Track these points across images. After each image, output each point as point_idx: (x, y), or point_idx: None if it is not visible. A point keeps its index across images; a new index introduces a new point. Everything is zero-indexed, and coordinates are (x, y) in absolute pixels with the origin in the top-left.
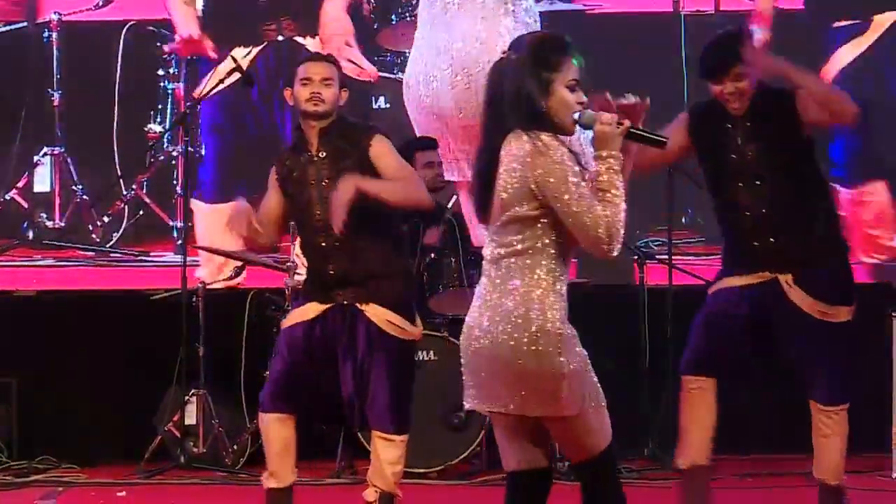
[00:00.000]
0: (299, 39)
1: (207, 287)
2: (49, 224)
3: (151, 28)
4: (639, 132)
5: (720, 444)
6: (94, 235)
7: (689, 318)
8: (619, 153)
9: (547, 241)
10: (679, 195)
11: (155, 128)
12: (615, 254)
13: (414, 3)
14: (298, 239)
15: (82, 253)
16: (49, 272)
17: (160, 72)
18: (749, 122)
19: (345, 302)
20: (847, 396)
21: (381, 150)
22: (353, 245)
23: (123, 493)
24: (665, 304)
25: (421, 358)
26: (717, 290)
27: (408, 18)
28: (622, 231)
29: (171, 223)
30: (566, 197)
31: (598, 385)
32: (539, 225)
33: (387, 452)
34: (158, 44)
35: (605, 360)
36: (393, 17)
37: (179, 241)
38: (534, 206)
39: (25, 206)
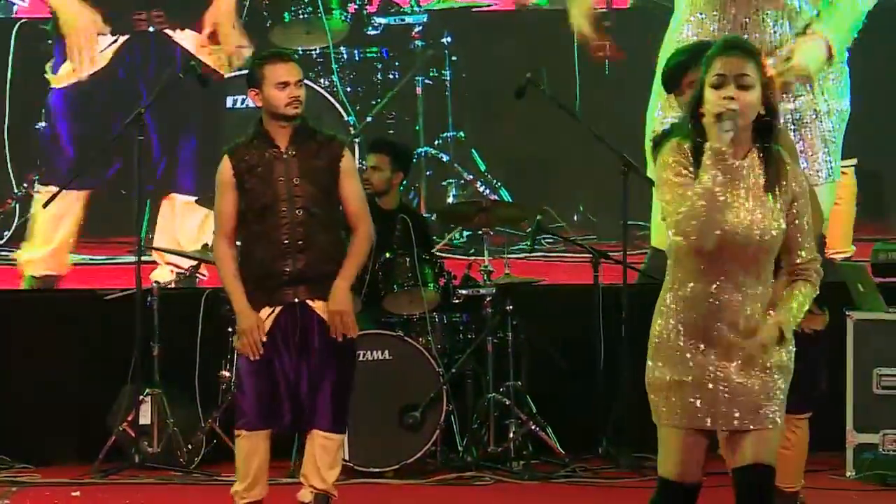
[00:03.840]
0: (169, 32)
1: (162, 286)
2: None
3: (43, 27)
4: None
5: None
6: None
7: (643, 317)
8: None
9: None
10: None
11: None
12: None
13: (306, 2)
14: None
15: None
16: None
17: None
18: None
19: (296, 300)
20: (811, 405)
21: (350, 168)
22: (314, 243)
23: (78, 493)
24: (619, 303)
25: (376, 357)
26: None
27: (301, 17)
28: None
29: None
30: None
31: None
32: None
33: (327, 452)
34: (50, 41)
35: (559, 359)
36: (286, 15)
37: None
38: None
39: None
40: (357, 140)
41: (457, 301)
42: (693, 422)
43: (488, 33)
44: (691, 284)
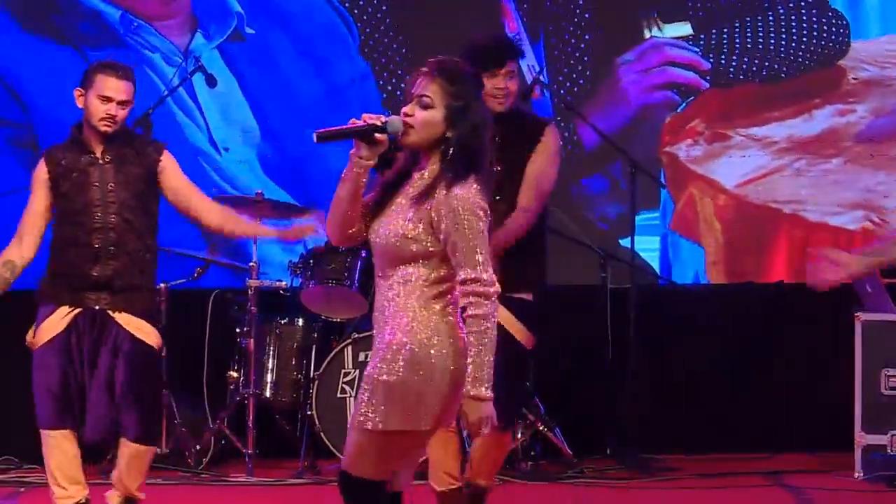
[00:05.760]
0: None
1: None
2: None
3: None
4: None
5: (683, 445)
6: None
7: (651, 318)
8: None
9: None
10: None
11: None
12: None
13: None
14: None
15: None
16: None
17: None
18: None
19: (97, 307)
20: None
21: (170, 166)
22: (125, 250)
23: None
24: (627, 303)
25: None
26: None
27: None
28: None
29: None
30: None
31: None
32: None
33: (138, 461)
34: None
35: (566, 359)
36: None
37: None
38: None
39: None
40: None
41: None
42: None
43: None
44: None
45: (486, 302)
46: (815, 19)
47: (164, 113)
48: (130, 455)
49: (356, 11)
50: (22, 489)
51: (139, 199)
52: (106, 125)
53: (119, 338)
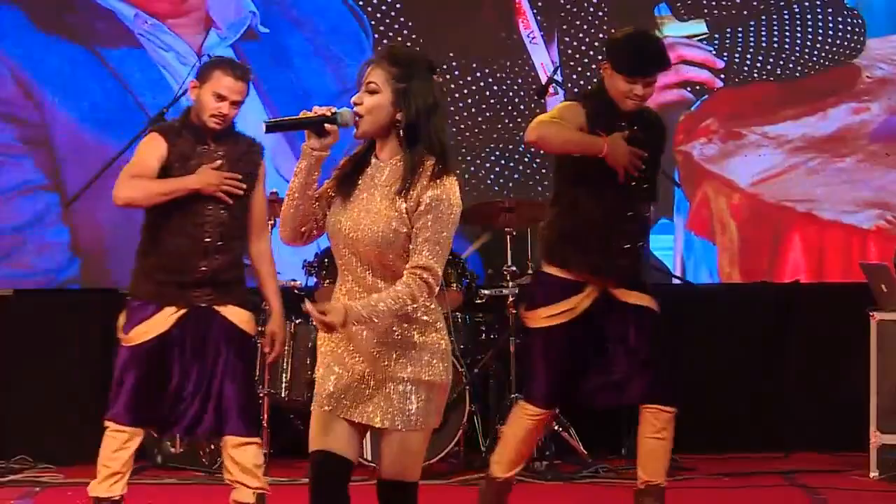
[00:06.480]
0: None
1: None
2: None
3: None
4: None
5: (698, 444)
6: None
7: (664, 317)
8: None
9: None
10: None
11: None
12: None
13: None
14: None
15: None
16: None
17: None
18: (637, 125)
19: (202, 304)
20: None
21: (263, 176)
22: (230, 246)
23: None
24: None
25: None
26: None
27: None
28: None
29: None
30: None
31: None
32: None
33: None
34: None
35: None
36: None
37: None
38: None
39: None
40: None
41: (480, 301)
42: None
43: None
44: None
45: (425, 292)
46: (830, 18)
47: (176, 112)
48: (233, 448)
49: (371, 9)
50: (37, 489)
51: (243, 197)
52: (216, 122)
53: (224, 331)
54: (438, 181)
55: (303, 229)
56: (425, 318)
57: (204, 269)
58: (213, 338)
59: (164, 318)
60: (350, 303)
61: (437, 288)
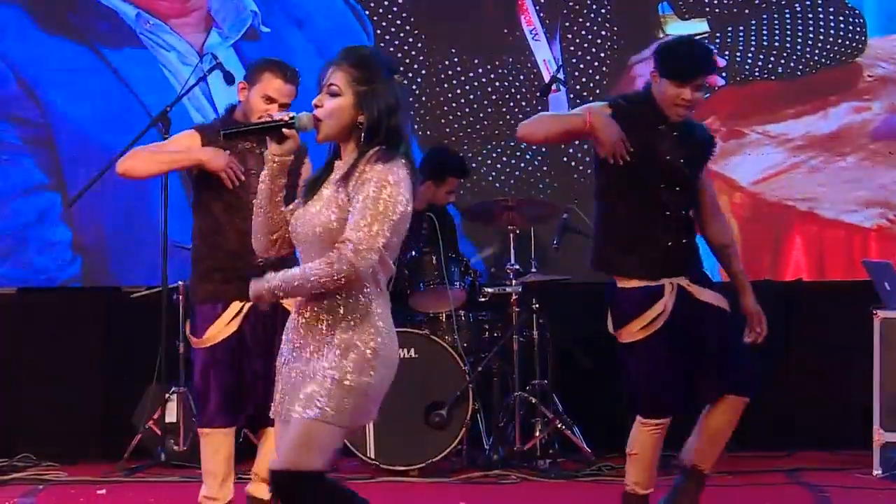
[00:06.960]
0: None
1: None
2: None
3: None
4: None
5: None
6: None
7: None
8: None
9: None
10: None
11: None
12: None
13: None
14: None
15: None
16: None
17: None
18: (678, 132)
19: None
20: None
21: (307, 174)
22: None
23: (104, 491)
24: None
25: (402, 356)
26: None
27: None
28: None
29: None
30: None
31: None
32: None
33: None
34: None
35: (583, 357)
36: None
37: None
38: None
39: None
40: None
41: (483, 299)
42: None
43: None
44: None
45: (344, 266)
46: (831, 16)
47: (178, 111)
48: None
49: (372, 5)
50: (41, 487)
51: (287, 193)
52: None
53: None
54: (380, 162)
55: (274, 237)
56: (355, 314)
57: (260, 262)
58: (279, 328)
59: (233, 314)
60: (269, 274)
61: (363, 267)
